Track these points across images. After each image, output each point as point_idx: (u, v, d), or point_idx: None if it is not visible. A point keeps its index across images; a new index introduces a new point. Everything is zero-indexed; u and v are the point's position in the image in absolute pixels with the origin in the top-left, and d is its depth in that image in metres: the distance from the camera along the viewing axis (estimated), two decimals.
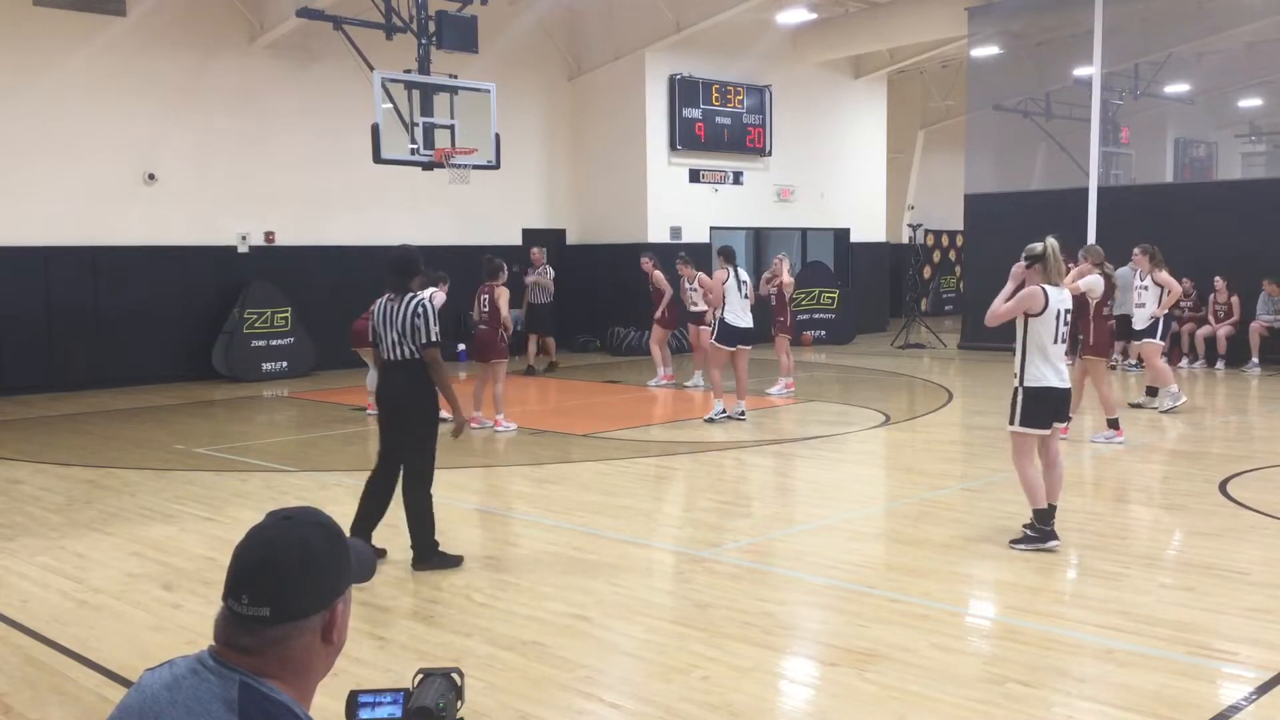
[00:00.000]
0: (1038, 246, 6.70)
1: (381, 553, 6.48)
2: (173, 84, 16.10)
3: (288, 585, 1.73)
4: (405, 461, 6.54)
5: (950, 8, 19.43)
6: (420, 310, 6.37)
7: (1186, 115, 23.23)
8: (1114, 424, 10.50)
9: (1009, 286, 6.87)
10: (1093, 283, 10.26)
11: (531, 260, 17.28)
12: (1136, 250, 12.61)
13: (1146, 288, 12.41)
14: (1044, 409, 6.69)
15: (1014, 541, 6.73)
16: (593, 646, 5.21)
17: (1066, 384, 6.78)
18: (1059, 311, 6.64)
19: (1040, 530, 6.66)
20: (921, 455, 10.31)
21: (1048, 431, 6.75)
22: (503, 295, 11.42)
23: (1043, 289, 6.62)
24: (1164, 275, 12.31)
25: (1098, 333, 10.54)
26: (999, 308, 6.78)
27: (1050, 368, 6.66)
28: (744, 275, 12.04)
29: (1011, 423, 6.78)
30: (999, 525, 7.24)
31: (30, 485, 9.15)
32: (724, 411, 11.71)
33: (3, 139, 14.71)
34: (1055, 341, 6.66)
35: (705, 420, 11.77)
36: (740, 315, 11.81)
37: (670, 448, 10.55)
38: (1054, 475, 6.84)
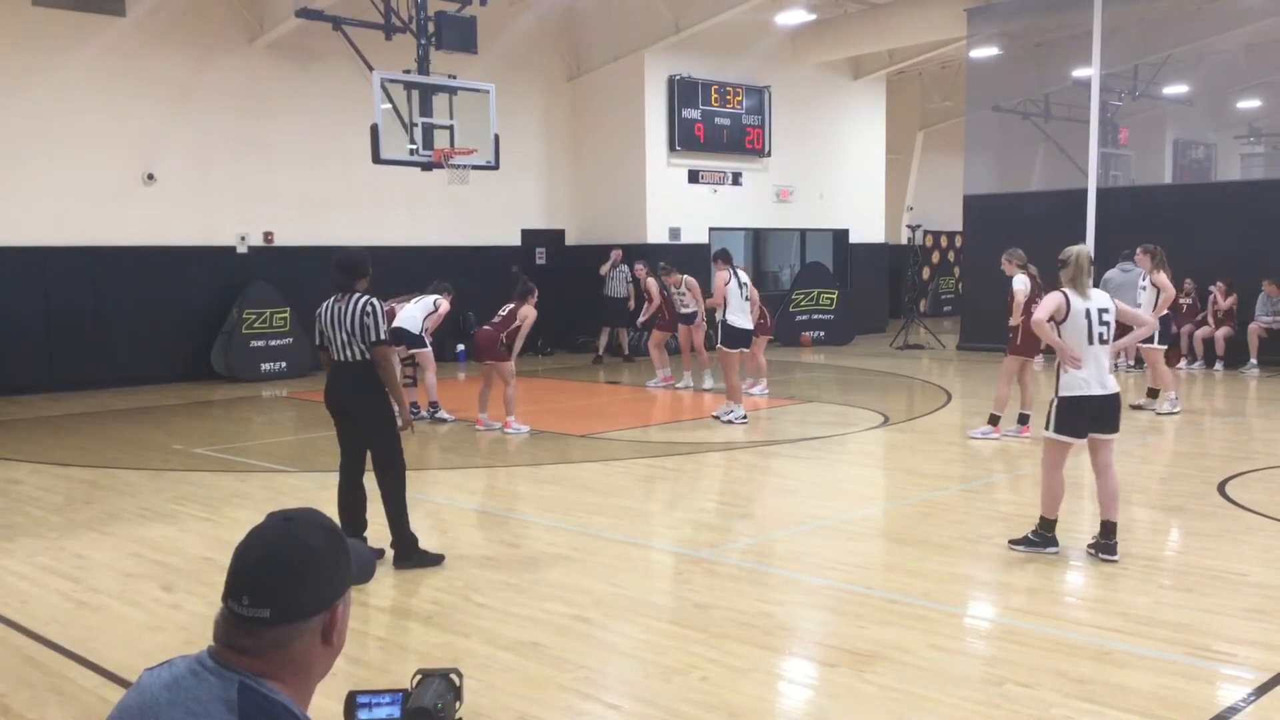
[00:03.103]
0: (1069, 251, 6.53)
1: (379, 553, 6.48)
2: (172, 84, 16.09)
3: (288, 587, 1.73)
4: (374, 455, 6.61)
5: (949, 9, 19.43)
6: (369, 309, 6.38)
7: (1185, 116, 23.23)
8: (994, 420, 10.70)
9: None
10: (1017, 284, 10.60)
11: (611, 259, 18.57)
12: (1139, 250, 12.48)
13: (1145, 289, 12.25)
14: (1079, 417, 6.41)
15: (1013, 541, 6.72)
16: (592, 647, 5.21)
17: (1108, 389, 6.41)
18: (1087, 311, 6.39)
19: (1042, 536, 6.62)
20: (920, 456, 10.31)
21: (1082, 440, 6.50)
22: (529, 317, 11.20)
23: (1064, 293, 6.45)
24: (1160, 277, 12.09)
25: (1024, 332, 10.57)
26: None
27: (1087, 374, 6.36)
28: (743, 277, 12.05)
29: (1046, 428, 6.56)
30: (998, 526, 7.24)
31: (29, 485, 9.15)
32: (744, 416, 11.69)
33: (2, 139, 14.70)
34: (1092, 342, 6.39)
35: (725, 421, 11.71)
36: (742, 317, 11.82)
37: (669, 448, 10.55)
38: (1105, 486, 6.49)
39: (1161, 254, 12.22)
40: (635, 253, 18.43)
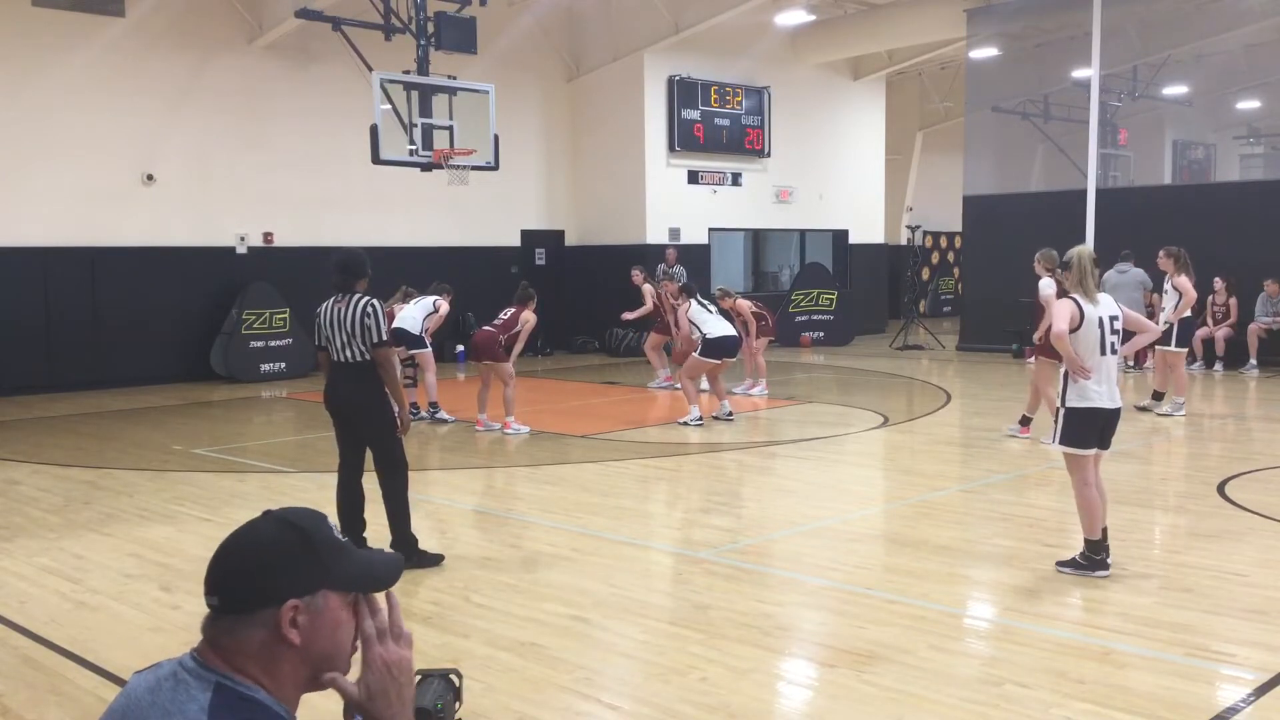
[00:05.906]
0: (1070, 254, 6.27)
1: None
2: (172, 84, 16.10)
3: (233, 576, 1.75)
4: (375, 456, 6.60)
5: (949, 9, 19.45)
6: (369, 310, 6.37)
7: (1184, 117, 23.23)
8: (1025, 422, 10.67)
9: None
10: (1043, 287, 10.35)
11: (666, 258, 18.16)
12: (1161, 253, 12.16)
13: (1167, 292, 12.06)
14: (1087, 428, 6.14)
15: (1061, 564, 6.32)
16: (591, 648, 5.21)
17: (1116, 404, 6.17)
18: (1100, 319, 6.10)
19: (1090, 559, 6.15)
20: (920, 457, 10.31)
21: (1092, 452, 6.20)
22: (529, 321, 11.36)
23: (1074, 299, 6.19)
24: (1182, 280, 11.83)
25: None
26: (1055, 328, 6.21)
27: (1097, 386, 6.09)
28: (704, 301, 12.24)
29: (1053, 440, 6.32)
30: (997, 526, 7.25)
31: (28, 486, 9.14)
32: (700, 419, 11.70)
33: (2, 139, 14.70)
34: (1104, 353, 6.11)
35: (680, 423, 11.75)
36: (719, 328, 11.84)
37: (668, 449, 10.55)
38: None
39: (1186, 257, 12.04)
40: (635, 255, 18.43)
